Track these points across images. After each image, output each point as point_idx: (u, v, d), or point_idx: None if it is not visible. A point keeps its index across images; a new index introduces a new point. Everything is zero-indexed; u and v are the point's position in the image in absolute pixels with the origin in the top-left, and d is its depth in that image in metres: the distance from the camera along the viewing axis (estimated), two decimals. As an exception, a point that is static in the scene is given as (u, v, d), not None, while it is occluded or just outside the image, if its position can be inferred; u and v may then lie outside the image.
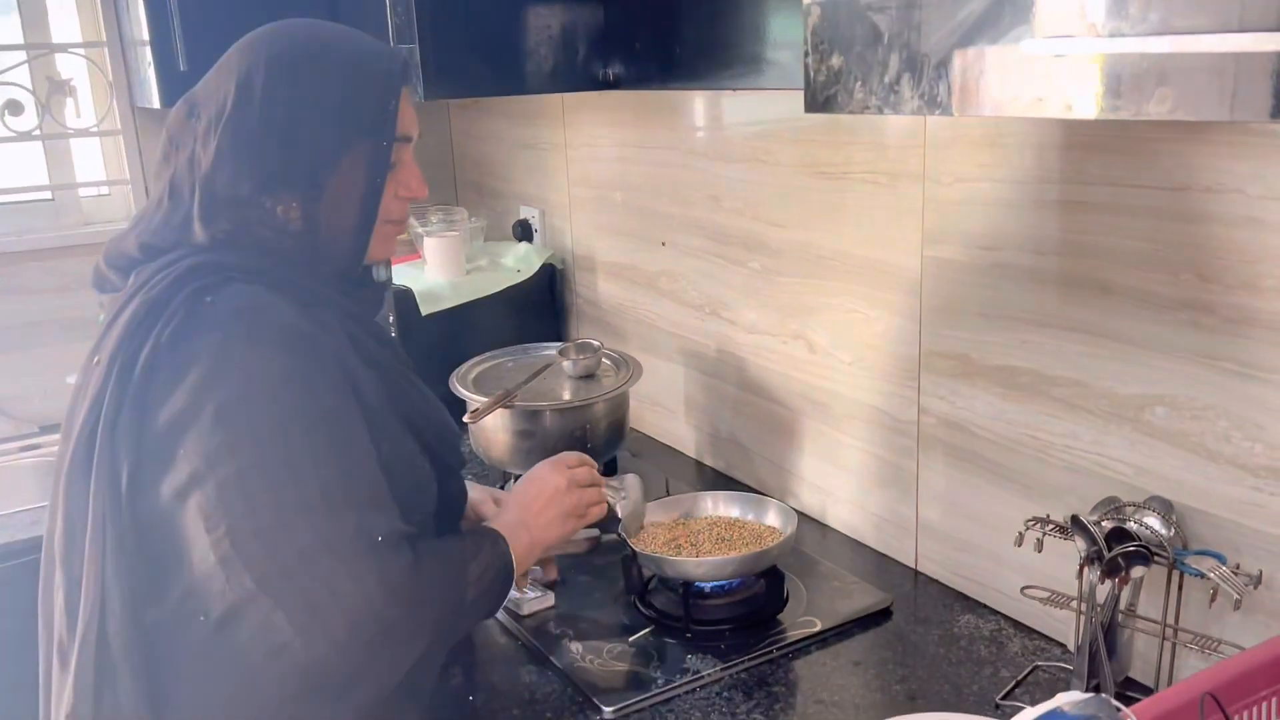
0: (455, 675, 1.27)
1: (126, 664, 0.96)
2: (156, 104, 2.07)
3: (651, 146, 1.91)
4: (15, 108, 2.26)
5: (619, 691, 1.22)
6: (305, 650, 0.95)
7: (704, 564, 1.35)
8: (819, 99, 0.92)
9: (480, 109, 2.55)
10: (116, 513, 0.97)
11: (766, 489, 1.76)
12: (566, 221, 2.25)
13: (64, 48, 2.31)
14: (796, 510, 1.48)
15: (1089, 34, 0.70)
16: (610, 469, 1.78)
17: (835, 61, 0.90)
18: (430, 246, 2.20)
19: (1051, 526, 1.17)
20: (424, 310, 2.10)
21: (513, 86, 1.72)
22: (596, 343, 1.83)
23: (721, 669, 1.26)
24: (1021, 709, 0.85)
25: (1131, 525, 1.10)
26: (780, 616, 1.37)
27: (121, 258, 1.08)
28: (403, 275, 2.19)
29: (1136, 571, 1.09)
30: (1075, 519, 1.11)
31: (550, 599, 1.42)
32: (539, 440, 1.67)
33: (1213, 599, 1.04)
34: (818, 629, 1.34)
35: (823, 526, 1.66)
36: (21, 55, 2.27)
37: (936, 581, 1.46)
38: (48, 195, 2.36)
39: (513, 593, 1.18)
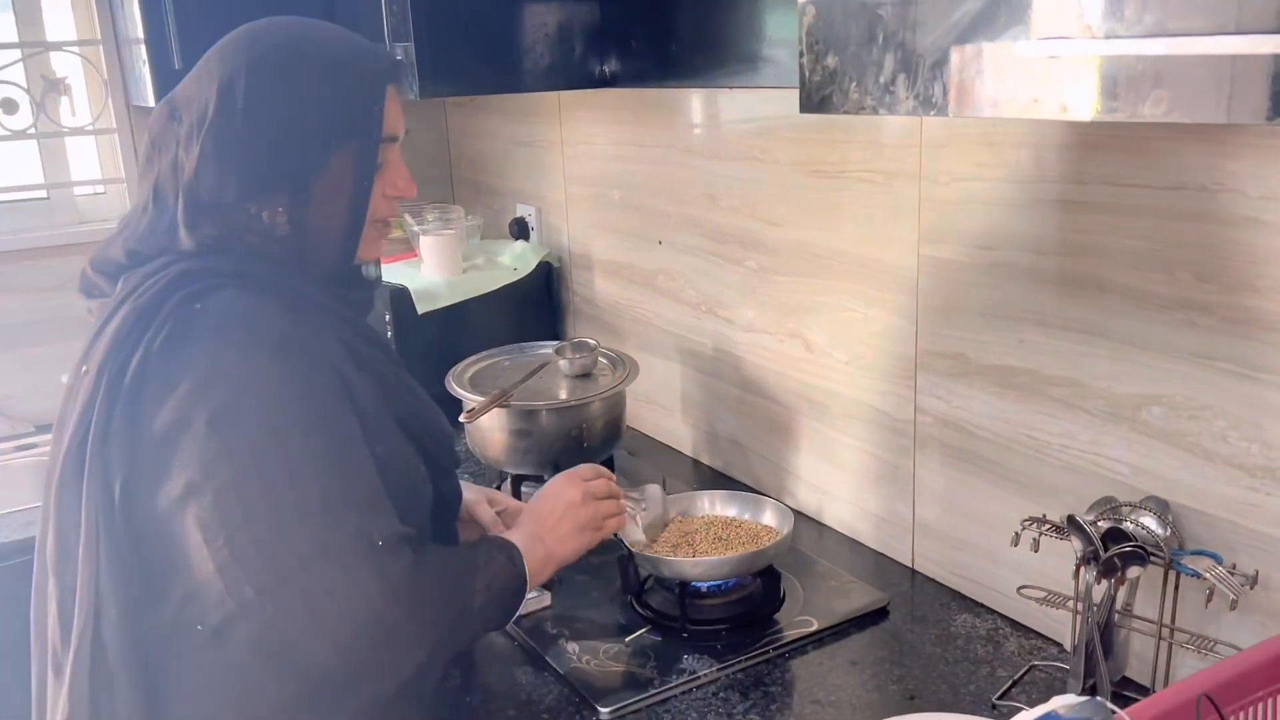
0: (454, 677, 1.27)
1: (122, 672, 0.95)
2: (151, 102, 2.07)
3: (648, 145, 1.90)
4: (10, 106, 2.25)
5: (615, 692, 1.22)
6: (308, 655, 0.95)
7: (700, 564, 1.35)
8: (814, 99, 0.92)
9: (476, 106, 2.55)
10: (110, 521, 0.96)
11: (763, 488, 1.75)
12: (563, 220, 2.24)
13: (59, 46, 2.30)
14: (793, 509, 1.48)
15: (1085, 35, 0.70)
16: (607, 467, 1.77)
17: (830, 62, 0.90)
18: (426, 245, 2.20)
19: (1048, 526, 1.17)
20: (420, 309, 2.09)
21: (509, 84, 1.72)
22: (593, 341, 1.82)
23: (718, 669, 1.26)
24: (1018, 708, 0.85)
25: (1128, 525, 1.10)
26: (777, 616, 1.37)
27: (108, 263, 1.07)
28: (399, 274, 2.19)
29: (1133, 571, 1.09)
30: (1072, 519, 1.11)
31: (547, 599, 1.42)
32: (535, 439, 1.67)
33: (1209, 599, 1.04)
34: (814, 628, 1.33)
35: (819, 525, 1.65)
36: (16, 53, 2.26)
37: (933, 581, 1.46)
38: (43, 194, 2.36)
39: None
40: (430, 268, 2.20)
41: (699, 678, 1.24)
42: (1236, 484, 1.08)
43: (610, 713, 1.19)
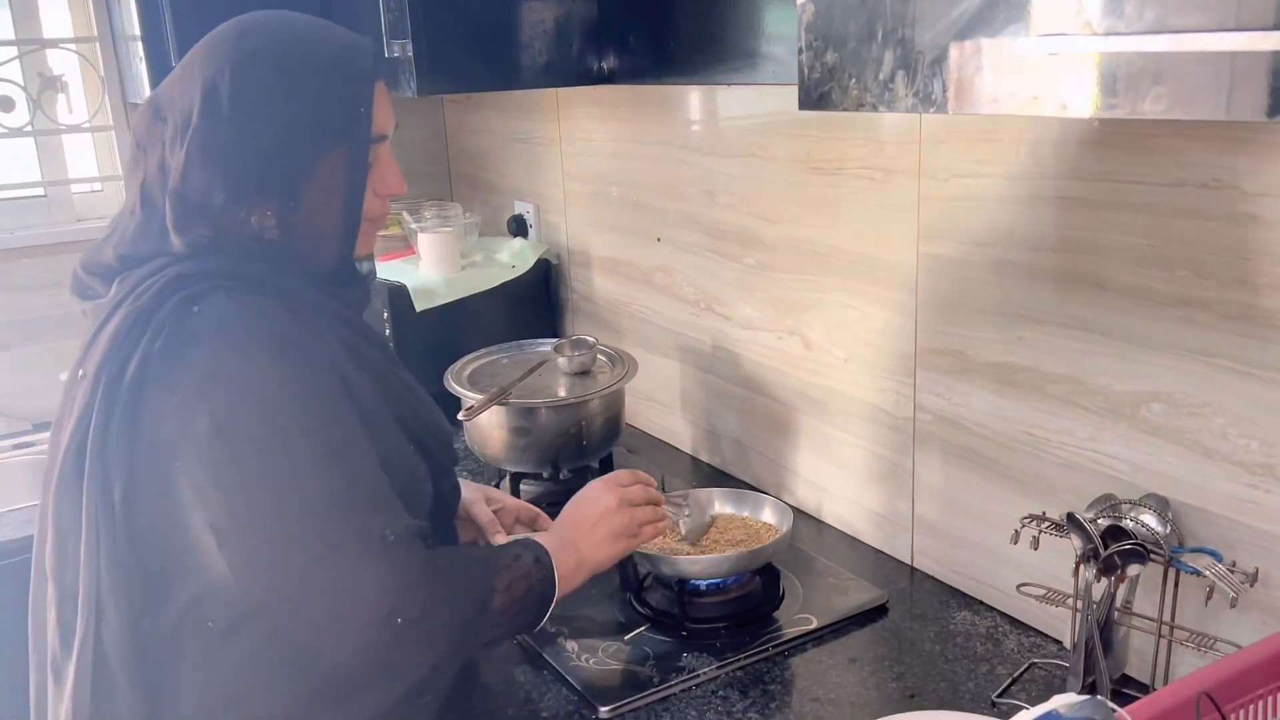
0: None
1: (124, 675, 0.95)
2: (149, 99, 2.06)
3: (646, 141, 1.90)
4: (7, 103, 2.25)
5: (615, 690, 1.22)
6: (324, 653, 0.95)
7: (699, 561, 1.35)
8: (813, 96, 0.92)
9: (474, 103, 2.54)
10: (110, 526, 0.96)
11: (762, 485, 1.75)
12: (561, 217, 2.24)
13: (55, 43, 2.30)
14: (792, 507, 1.48)
15: (1085, 32, 0.70)
16: (606, 466, 1.77)
17: (830, 58, 0.89)
18: (425, 242, 2.19)
19: (1048, 524, 1.17)
20: (418, 306, 2.09)
21: (507, 81, 1.71)
22: (592, 339, 1.82)
23: (717, 667, 1.26)
24: (1018, 706, 0.85)
25: (1128, 523, 1.10)
26: (776, 614, 1.37)
27: (100, 266, 1.06)
28: (397, 271, 2.19)
29: (1133, 569, 1.09)
30: (1071, 516, 1.11)
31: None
32: (534, 437, 1.67)
33: (1209, 596, 1.04)
34: (813, 626, 1.33)
35: (818, 523, 1.65)
36: (13, 51, 2.26)
37: (932, 578, 1.46)
38: (40, 191, 2.35)
39: None
40: (428, 265, 2.19)
41: (698, 676, 1.24)
42: (1236, 481, 1.08)
43: (609, 711, 1.19)
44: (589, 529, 1.19)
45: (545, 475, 1.72)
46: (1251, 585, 1.05)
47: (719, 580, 1.38)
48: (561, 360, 1.78)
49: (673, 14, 1.52)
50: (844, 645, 1.31)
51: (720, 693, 1.22)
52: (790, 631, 1.32)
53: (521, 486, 1.74)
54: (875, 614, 1.37)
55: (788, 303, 1.64)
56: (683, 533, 1.41)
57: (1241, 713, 0.86)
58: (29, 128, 2.29)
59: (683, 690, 1.23)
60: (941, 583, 1.45)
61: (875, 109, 0.86)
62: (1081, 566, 1.12)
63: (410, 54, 1.59)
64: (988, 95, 0.77)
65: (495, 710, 1.21)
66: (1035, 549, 1.18)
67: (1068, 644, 1.21)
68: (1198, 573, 1.05)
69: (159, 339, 0.96)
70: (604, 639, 1.33)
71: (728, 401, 1.83)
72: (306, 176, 1.03)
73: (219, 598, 0.96)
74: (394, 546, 0.96)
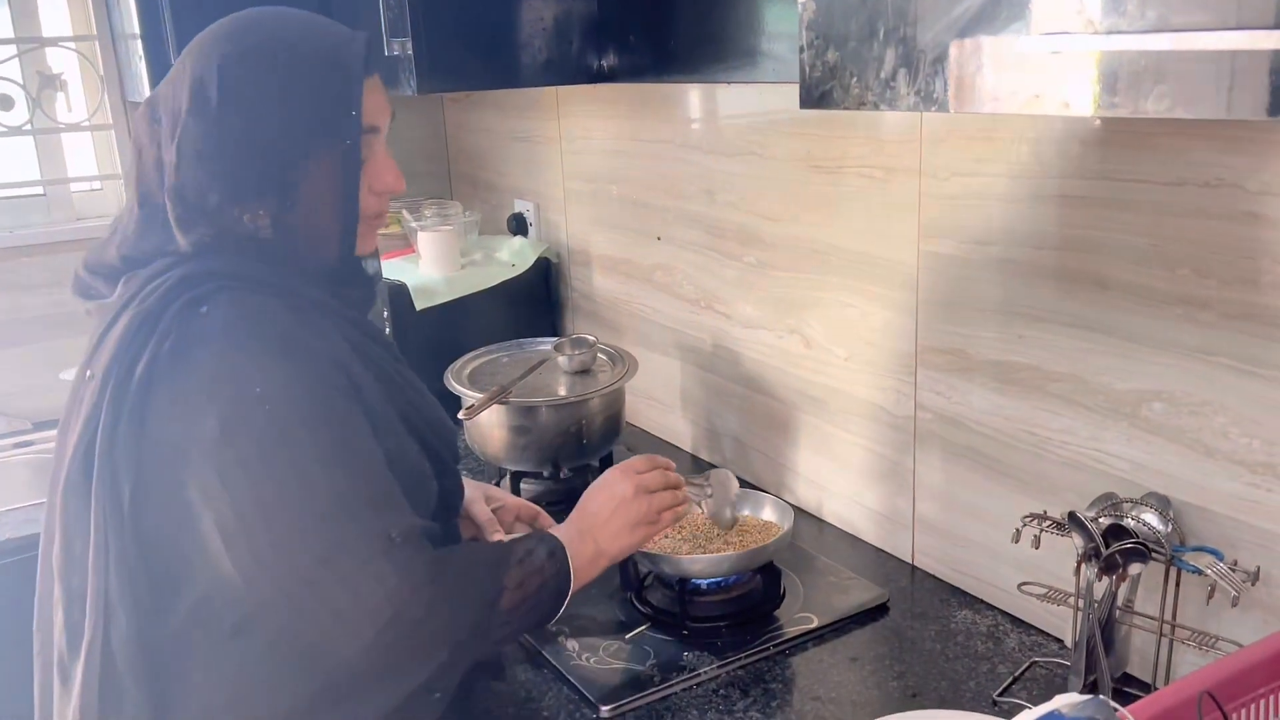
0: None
1: (131, 677, 0.95)
2: (148, 98, 2.06)
3: (646, 140, 1.90)
4: (6, 102, 2.24)
5: (615, 689, 1.22)
6: (330, 654, 0.95)
7: (700, 560, 1.35)
8: (814, 95, 0.92)
9: (473, 102, 2.54)
10: (119, 528, 0.96)
11: (763, 484, 1.75)
12: (561, 215, 2.24)
13: (54, 42, 2.30)
14: (793, 505, 1.48)
15: (1086, 30, 0.69)
16: (606, 464, 1.77)
17: (831, 57, 0.89)
18: (424, 241, 2.19)
19: (1049, 523, 1.17)
20: (418, 305, 2.09)
21: (507, 80, 1.71)
22: (592, 337, 1.82)
23: (718, 666, 1.26)
24: (1019, 705, 0.85)
25: (1129, 521, 1.10)
26: (777, 613, 1.37)
27: (103, 266, 1.06)
28: (397, 270, 2.19)
29: (1134, 568, 1.09)
30: (1072, 515, 1.11)
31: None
32: (535, 436, 1.67)
33: (1210, 595, 1.04)
34: (814, 625, 1.33)
35: (819, 522, 1.65)
36: (12, 49, 2.26)
37: (933, 577, 1.46)
38: (39, 190, 2.35)
39: None
40: (428, 264, 2.19)
41: (699, 675, 1.24)
42: (1237, 480, 1.08)
43: (610, 710, 1.19)
44: (606, 518, 1.17)
45: (545, 474, 1.72)
46: (1253, 584, 1.05)
47: (720, 579, 1.38)
48: (562, 359, 1.77)
49: (673, 12, 1.52)
50: (845, 644, 1.31)
51: (721, 692, 1.22)
52: (791, 630, 1.32)
53: (522, 485, 1.74)
54: (876, 613, 1.37)
55: (788, 301, 1.64)
56: (707, 514, 1.40)
57: (1243, 712, 0.86)
58: (28, 126, 2.28)
59: (684, 689, 1.22)
60: (942, 581, 1.44)
61: (877, 107, 0.86)
62: (1083, 565, 1.12)
63: (410, 52, 1.59)
64: (989, 94, 0.77)
65: (495, 709, 1.21)
66: (1036, 548, 1.18)
67: (1069, 643, 1.21)
68: (1199, 571, 1.05)
69: (166, 341, 0.96)
70: (605, 638, 1.33)
71: (728, 400, 1.83)
72: (299, 173, 1.02)
73: (226, 598, 0.97)
74: (400, 546, 0.96)
